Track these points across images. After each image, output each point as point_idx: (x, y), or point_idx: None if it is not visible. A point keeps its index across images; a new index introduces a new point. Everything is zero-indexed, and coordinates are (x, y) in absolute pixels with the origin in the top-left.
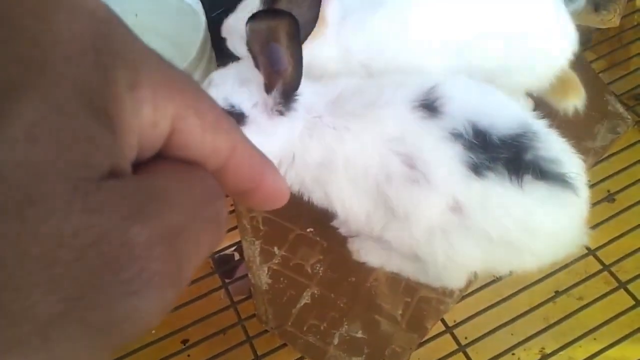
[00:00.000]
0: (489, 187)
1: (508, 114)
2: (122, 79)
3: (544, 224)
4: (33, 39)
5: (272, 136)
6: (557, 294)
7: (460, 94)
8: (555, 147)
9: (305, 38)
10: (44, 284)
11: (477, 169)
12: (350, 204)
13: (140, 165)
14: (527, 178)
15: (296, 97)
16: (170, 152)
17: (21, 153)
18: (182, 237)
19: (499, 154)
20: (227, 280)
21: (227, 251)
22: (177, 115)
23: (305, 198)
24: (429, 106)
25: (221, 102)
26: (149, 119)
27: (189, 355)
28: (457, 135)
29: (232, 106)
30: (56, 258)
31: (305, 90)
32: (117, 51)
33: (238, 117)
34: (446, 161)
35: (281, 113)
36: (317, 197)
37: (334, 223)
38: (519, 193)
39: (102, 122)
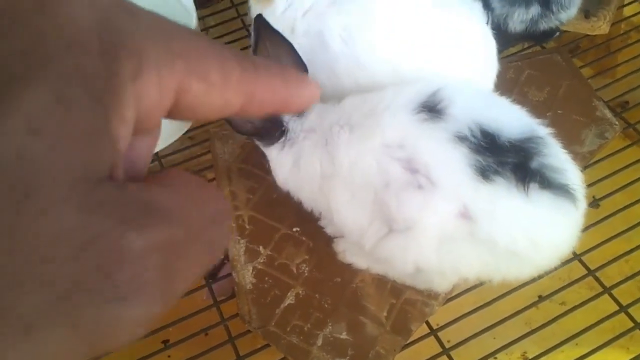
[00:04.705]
0: (497, 193)
1: (514, 117)
2: (126, 69)
3: (547, 234)
4: (35, 31)
5: (282, 167)
6: (541, 299)
7: (464, 97)
8: (560, 156)
9: None
10: (35, 279)
11: (484, 173)
12: (345, 217)
13: (151, 175)
14: (534, 186)
15: (299, 128)
16: (178, 115)
17: (21, 145)
18: (179, 253)
19: (507, 158)
20: (210, 280)
21: None
22: (179, 85)
23: (295, 198)
24: (432, 109)
25: None
26: (151, 100)
27: (169, 356)
28: (462, 138)
29: None
30: (49, 254)
31: (313, 110)
32: (120, 40)
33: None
34: (452, 164)
35: (284, 145)
36: (320, 208)
37: (321, 223)
38: (526, 201)
39: (104, 119)
